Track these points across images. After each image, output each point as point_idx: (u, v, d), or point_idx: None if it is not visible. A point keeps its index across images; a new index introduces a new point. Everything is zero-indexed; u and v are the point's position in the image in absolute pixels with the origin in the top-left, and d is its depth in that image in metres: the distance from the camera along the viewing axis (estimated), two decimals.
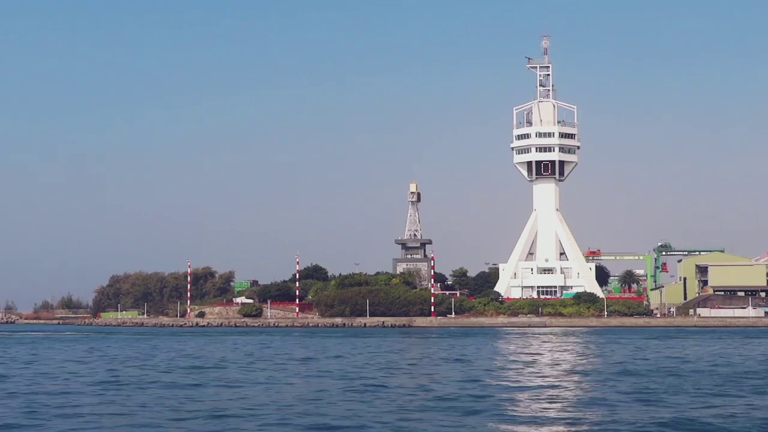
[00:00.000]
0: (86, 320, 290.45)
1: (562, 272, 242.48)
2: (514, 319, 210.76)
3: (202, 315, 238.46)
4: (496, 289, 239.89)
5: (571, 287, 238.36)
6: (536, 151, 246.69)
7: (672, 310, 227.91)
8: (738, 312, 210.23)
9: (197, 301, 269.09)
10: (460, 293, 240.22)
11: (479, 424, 38.50)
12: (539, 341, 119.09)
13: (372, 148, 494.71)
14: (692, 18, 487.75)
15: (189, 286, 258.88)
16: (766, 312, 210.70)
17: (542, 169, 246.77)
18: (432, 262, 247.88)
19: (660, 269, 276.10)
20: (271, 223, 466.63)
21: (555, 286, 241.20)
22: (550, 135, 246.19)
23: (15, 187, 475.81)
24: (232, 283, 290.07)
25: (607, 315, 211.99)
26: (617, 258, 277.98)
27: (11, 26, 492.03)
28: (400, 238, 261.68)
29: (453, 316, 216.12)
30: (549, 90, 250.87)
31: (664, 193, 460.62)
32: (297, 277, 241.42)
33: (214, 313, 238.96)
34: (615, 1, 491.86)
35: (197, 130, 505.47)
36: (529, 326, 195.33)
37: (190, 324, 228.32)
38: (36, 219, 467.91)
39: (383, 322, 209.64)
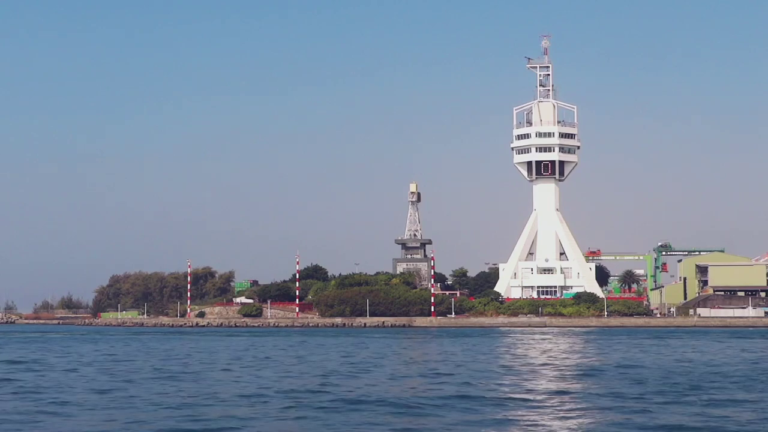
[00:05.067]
0: (86, 320, 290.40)
1: (562, 272, 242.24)
2: (514, 319, 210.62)
3: (202, 315, 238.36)
4: (496, 289, 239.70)
5: (571, 287, 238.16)
6: (536, 151, 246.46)
7: (672, 310, 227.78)
8: (738, 312, 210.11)
9: (197, 301, 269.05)
10: (460, 293, 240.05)
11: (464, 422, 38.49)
12: (538, 341, 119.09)
13: (372, 148, 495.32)
14: (692, 18, 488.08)
15: (189, 286, 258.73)
16: (766, 312, 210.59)
17: (542, 169, 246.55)
18: (432, 262, 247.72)
19: (660, 269, 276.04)
20: (271, 223, 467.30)
21: (555, 286, 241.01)
22: (550, 135, 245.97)
23: (15, 187, 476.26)
24: (232, 283, 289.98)
25: (607, 315, 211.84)
26: (617, 258, 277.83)
27: (11, 27, 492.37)
28: (400, 238, 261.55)
29: (453, 316, 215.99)
30: (549, 90, 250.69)
31: (664, 193, 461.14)
32: (297, 277, 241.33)
33: (214, 313, 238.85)
34: (615, 1, 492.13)
35: (197, 130, 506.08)
36: (529, 326, 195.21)
37: (190, 324, 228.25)
38: (36, 219, 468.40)
39: (383, 322, 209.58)
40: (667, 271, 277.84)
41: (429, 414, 41.24)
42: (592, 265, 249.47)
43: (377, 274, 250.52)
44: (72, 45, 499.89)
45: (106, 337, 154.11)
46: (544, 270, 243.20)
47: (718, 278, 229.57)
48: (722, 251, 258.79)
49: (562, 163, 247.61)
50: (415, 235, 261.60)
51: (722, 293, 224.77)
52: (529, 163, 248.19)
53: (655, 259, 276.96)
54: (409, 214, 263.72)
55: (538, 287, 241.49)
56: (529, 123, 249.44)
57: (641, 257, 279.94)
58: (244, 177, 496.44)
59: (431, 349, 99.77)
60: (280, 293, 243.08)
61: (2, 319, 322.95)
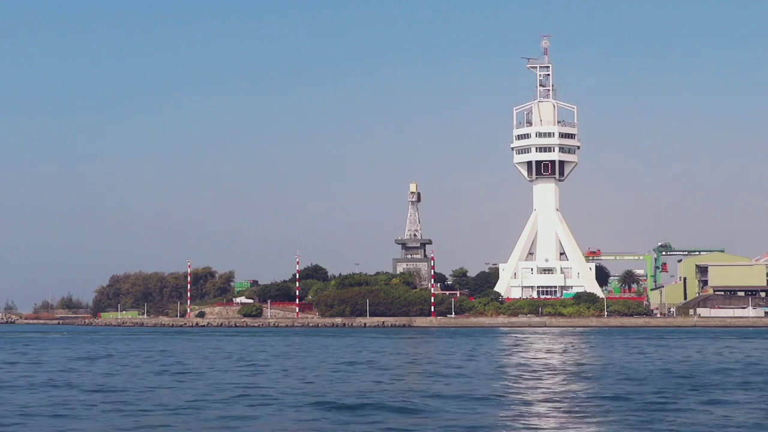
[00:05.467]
0: (86, 320, 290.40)
1: (562, 272, 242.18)
2: (514, 319, 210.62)
3: (202, 315, 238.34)
4: (496, 289, 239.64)
5: (571, 287, 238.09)
6: (536, 151, 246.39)
7: (672, 310, 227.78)
8: (738, 312, 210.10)
9: (197, 301, 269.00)
10: (460, 293, 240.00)
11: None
12: (537, 341, 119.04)
13: (372, 148, 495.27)
14: (692, 18, 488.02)
15: (189, 286, 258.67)
16: (766, 312, 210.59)
17: (542, 169, 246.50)
18: (432, 262, 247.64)
19: (660, 269, 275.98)
20: (271, 223, 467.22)
21: (555, 286, 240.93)
22: (550, 135, 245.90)
23: (15, 187, 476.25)
24: (232, 283, 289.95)
25: (607, 315, 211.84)
26: (617, 258, 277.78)
27: (11, 27, 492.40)
28: (400, 238, 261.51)
29: (453, 316, 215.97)
30: (549, 90, 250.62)
31: (664, 193, 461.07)
32: (297, 277, 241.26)
33: (214, 313, 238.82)
34: (615, 1, 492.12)
35: (197, 130, 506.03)
36: (529, 326, 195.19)
37: (190, 324, 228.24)
38: (36, 219, 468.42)
39: (383, 322, 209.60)
40: (667, 271, 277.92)
41: (428, 416, 41.23)
42: (592, 265, 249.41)
43: (377, 274, 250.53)
44: (72, 45, 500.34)
45: (108, 337, 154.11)
46: (544, 270, 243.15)
47: (718, 278, 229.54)
48: (722, 251, 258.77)
49: (562, 163, 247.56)
50: (415, 235, 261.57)
51: (722, 293, 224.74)
52: (529, 163, 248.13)
53: (655, 259, 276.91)
54: (409, 214, 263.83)
55: (538, 287, 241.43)
56: (529, 123, 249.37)
57: (641, 257, 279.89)
58: (244, 177, 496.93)
59: (431, 349, 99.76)
60: (280, 293, 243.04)
61: (2, 319, 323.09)
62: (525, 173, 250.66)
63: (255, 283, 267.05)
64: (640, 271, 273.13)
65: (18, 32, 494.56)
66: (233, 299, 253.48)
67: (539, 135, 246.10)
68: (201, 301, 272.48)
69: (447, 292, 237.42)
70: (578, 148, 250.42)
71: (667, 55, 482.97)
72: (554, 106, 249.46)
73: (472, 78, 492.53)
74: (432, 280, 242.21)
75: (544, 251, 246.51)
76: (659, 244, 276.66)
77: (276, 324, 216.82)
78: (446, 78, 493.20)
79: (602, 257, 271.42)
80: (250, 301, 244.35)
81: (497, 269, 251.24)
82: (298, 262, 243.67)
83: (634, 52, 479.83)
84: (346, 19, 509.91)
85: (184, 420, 39.86)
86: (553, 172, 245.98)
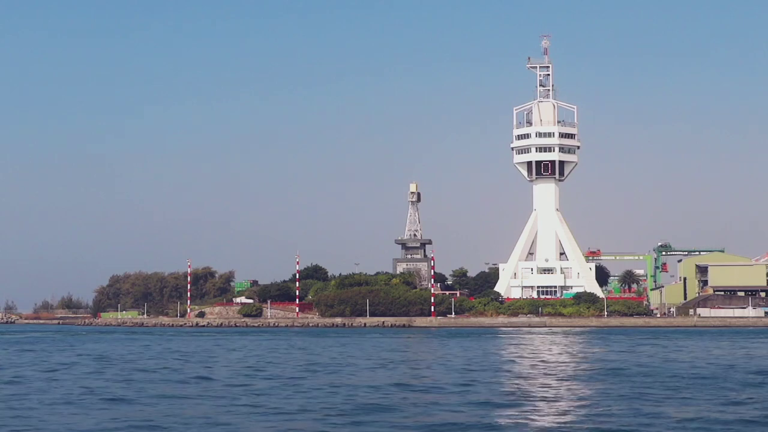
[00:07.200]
0: (86, 320, 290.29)
1: (562, 272, 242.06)
2: (514, 319, 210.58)
3: (202, 315, 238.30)
4: (496, 289, 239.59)
5: (571, 287, 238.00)
6: (536, 151, 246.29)
7: (672, 310, 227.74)
8: (738, 312, 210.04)
9: (197, 301, 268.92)
10: (460, 293, 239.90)
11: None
12: (537, 341, 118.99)
13: (372, 149, 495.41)
14: (692, 18, 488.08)
15: (189, 286, 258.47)
16: (766, 312, 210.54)
17: (542, 169, 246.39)
18: (432, 262, 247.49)
19: (660, 269, 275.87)
20: (271, 223, 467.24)
21: (555, 286, 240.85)
22: (550, 135, 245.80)
23: (15, 187, 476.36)
24: (232, 283, 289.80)
25: (607, 315, 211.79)
26: (617, 258, 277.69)
27: (12, 26, 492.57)
28: (400, 238, 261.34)
29: (453, 316, 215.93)
30: (549, 90, 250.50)
31: (664, 193, 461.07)
32: (297, 277, 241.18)
33: (214, 313, 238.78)
34: (615, 1, 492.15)
35: (197, 130, 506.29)
36: (529, 326, 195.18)
37: (190, 324, 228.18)
38: (36, 219, 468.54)
39: (383, 322, 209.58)
40: (667, 271, 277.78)
41: (427, 414, 41.26)
42: (592, 265, 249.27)
43: (377, 274, 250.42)
44: (72, 45, 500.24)
45: (117, 337, 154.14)
46: (544, 270, 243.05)
47: (718, 278, 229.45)
48: (722, 251, 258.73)
49: (562, 163, 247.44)
50: (415, 235, 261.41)
51: (722, 293, 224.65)
52: (529, 163, 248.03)
53: (655, 259, 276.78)
54: (409, 214, 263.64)
55: (538, 287, 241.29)
56: (529, 123, 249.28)
57: (641, 257, 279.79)
58: (245, 177, 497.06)
59: (431, 350, 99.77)
60: (280, 293, 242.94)
61: (2, 319, 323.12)
62: (525, 173, 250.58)
63: (255, 283, 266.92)
64: (640, 271, 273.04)
65: (19, 32, 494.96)
66: (233, 299, 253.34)
67: (539, 135, 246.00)
68: (201, 301, 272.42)
69: (447, 292, 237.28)
70: (578, 148, 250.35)
71: (667, 54, 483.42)
72: (554, 106, 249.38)
73: (472, 78, 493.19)
74: (432, 280, 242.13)
75: (544, 251, 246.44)
76: (659, 244, 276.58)
77: (276, 324, 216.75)
78: (446, 78, 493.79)
79: (602, 257, 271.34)
80: (250, 301, 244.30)
81: (497, 269, 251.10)
82: (298, 262, 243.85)
83: (634, 53, 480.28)
84: (347, 19, 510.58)
85: None
86: (553, 172, 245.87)
